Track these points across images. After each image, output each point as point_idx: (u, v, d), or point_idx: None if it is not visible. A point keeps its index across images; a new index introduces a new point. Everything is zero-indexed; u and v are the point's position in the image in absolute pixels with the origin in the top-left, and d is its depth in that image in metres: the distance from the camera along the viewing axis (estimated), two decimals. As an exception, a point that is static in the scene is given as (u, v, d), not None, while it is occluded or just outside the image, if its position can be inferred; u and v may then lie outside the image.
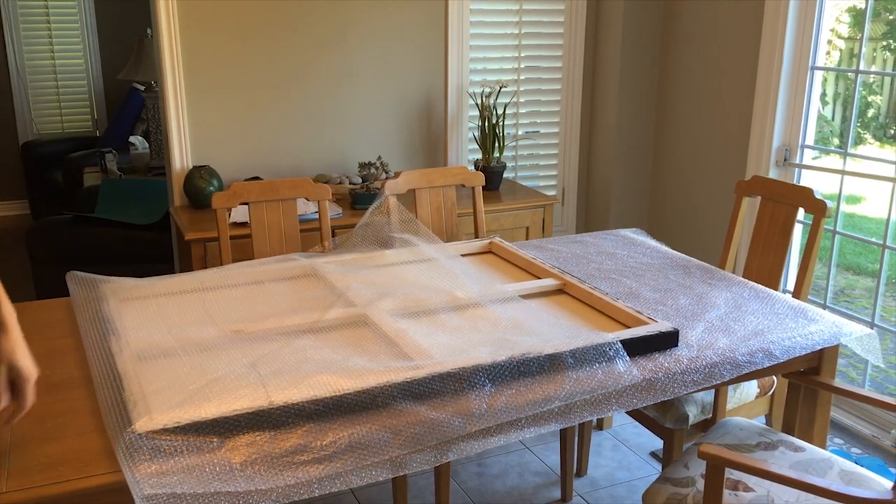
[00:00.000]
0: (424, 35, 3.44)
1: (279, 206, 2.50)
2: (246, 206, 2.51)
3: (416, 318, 1.98)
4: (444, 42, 3.46)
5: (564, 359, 1.73)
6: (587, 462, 2.73)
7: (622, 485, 2.68)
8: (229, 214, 2.70)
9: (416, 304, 2.04)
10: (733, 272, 2.54)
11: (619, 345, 1.76)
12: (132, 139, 5.19)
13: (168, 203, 3.54)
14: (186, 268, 3.03)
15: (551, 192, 3.84)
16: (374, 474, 1.52)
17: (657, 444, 2.90)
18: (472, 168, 3.52)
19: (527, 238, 3.32)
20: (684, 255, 2.55)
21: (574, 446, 2.59)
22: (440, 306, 2.05)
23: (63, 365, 1.75)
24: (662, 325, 1.88)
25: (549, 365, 1.72)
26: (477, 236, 2.77)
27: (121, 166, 4.87)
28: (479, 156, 3.60)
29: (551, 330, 1.91)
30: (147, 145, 5.02)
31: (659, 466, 2.78)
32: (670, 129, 3.74)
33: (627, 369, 1.74)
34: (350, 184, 3.24)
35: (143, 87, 5.09)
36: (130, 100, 5.54)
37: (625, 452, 2.87)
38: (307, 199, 2.55)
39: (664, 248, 2.64)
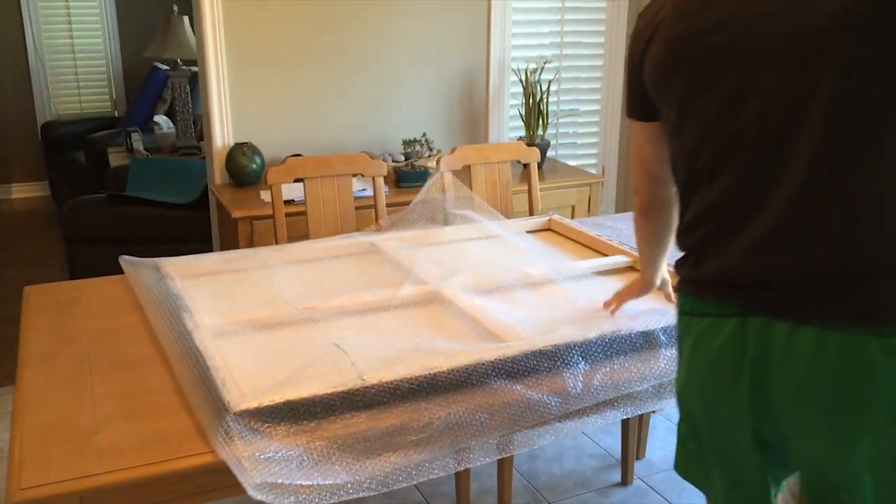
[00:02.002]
0: (467, 9, 3.35)
1: (335, 182, 2.43)
2: (293, 184, 2.43)
3: (491, 296, 1.91)
4: (487, 16, 3.38)
5: (657, 336, 1.66)
6: (645, 444, 2.68)
7: (681, 467, 2.62)
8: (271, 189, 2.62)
9: (489, 280, 1.98)
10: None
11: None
12: (156, 119, 5.10)
13: (205, 181, 3.47)
14: (230, 247, 2.96)
15: (591, 171, 3.76)
16: (473, 457, 1.46)
17: (712, 426, 2.84)
18: (514, 146, 3.45)
19: (572, 217, 3.25)
20: (750, 233, 2.48)
21: (636, 429, 2.53)
22: (513, 283, 1.98)
23: (135, 342, 1.69)
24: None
25: (641, 342, 1.65)
26: (531, 214, 2.70)
27: (146, 146, 4.79)
28: (521, 133, 3.52)
29: (633, 307, 1.85)
30: (172, 125, 4.93)
31: (717, 449, 2.73)
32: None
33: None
34: (392, 161, 3.17)
35: (167, 67, 5.00)
36: (152, 79, 5.44)
37: (680, 435, 2.81)
38: (363, 176, 2.48)
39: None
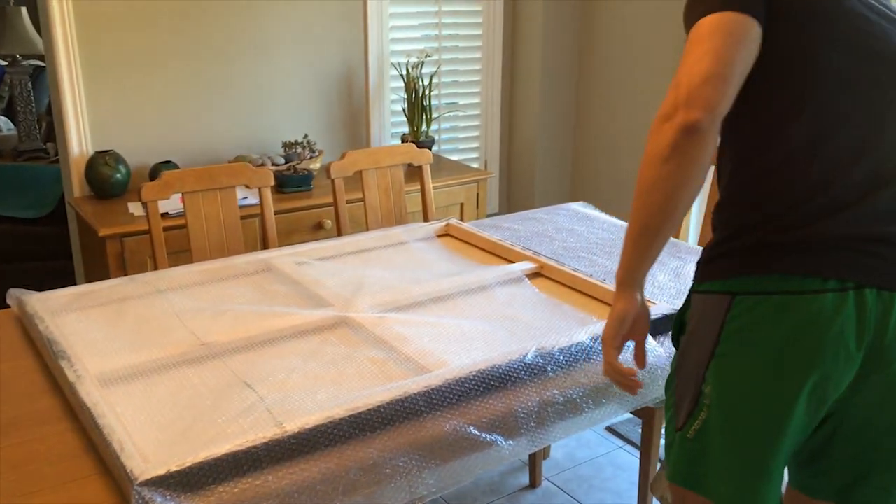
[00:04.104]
0: (341, 1, 3.20)
1: (217, 196, 2.24)
2: (169, 197, 2.23)
3: (401, 314, 1.81)
4: (364, 9, 3.24)
5: (587, 347, 1.62)
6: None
7: (586, 464, 2.64)
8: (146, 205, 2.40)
9: (396, 297, 1.87)
10: (688, 242, 2.52)
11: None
12: (-7, 120, 4.62)
13: (60, 192, 3.16)
14: (95, 266, 2.71)
15: (473, 165, 3.72)
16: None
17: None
18: (398, 143, 3.35)
19: (461, 216, 3.20)
20: (644, 229, 2.50)
21: (541, 430, 2.51)
22: (421, 298, 1.89)
23: (11, 398, 1.47)
24: (662, 307, 1.81)
25: (575, 356, 1.60)
26: (426, 218, 2.61)
27: (-17, 151, 4.33)
28: (404, 129, 3.43)
29: (552, 318, 1.80)
30: (13, 126, 4.48)
31: (618, 441, 2.76)
32: (594, 97, 3.70)
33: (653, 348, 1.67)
34: (273, 165, 2.99)
35: (4, 62, 4.53)
36: (-15, 75, 4.92)
37: (581, 430, 2.83)
38: (247, 186, 2.30)
39: (620, 221, 2.58)
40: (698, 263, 1.30)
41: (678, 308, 1.39)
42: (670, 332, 1.45)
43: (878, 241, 1.18)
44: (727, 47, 1.12)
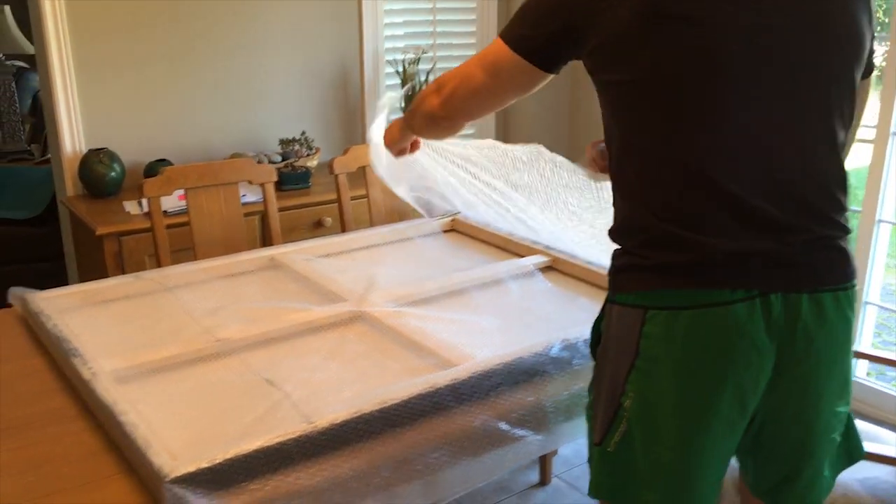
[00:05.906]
0: (336, -2, 3.16)
1: (220, 192, 2.20)
2: (171, 193, 2.18)
3: (416, 309, 1.78)
4: (358, 5, 3.20)
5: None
6: (557, 441, 2.65)
7: (593, 460, 2.62)
8: (141, 203, 2.35)
9: (409, 292, 1.84)
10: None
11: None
12: (-26, 121, 4.52)
13: (49, 192, 3.09)
14: (90, 266, 2.65)
15: (469, 163, 3.69)
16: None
17: (615, 414, 2.86)
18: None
19: (460, 212, 3.16)
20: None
21: (550, 427, 2.49)
22: (434, 293, 1.86)
23: (21, 398, 1.42)
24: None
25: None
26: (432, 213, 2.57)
27: (-35, 153, 4.24)
28: (399, 127, 3.39)
29: (570, 311, 1.78)
30: (-4, 128, 4.39)
31: (623, 437, 2.74)
32: (589, 92, 3.68)
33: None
34: (270, 162, 2.94)
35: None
36: (-35, 76, 4.82)
37: (586, 426, 2.81)
38: (250, 183, 2.26)
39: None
40: (610, 273, 1.26)
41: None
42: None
43: (779, 252, 1.15)
44: (488, 90, 1.40)
